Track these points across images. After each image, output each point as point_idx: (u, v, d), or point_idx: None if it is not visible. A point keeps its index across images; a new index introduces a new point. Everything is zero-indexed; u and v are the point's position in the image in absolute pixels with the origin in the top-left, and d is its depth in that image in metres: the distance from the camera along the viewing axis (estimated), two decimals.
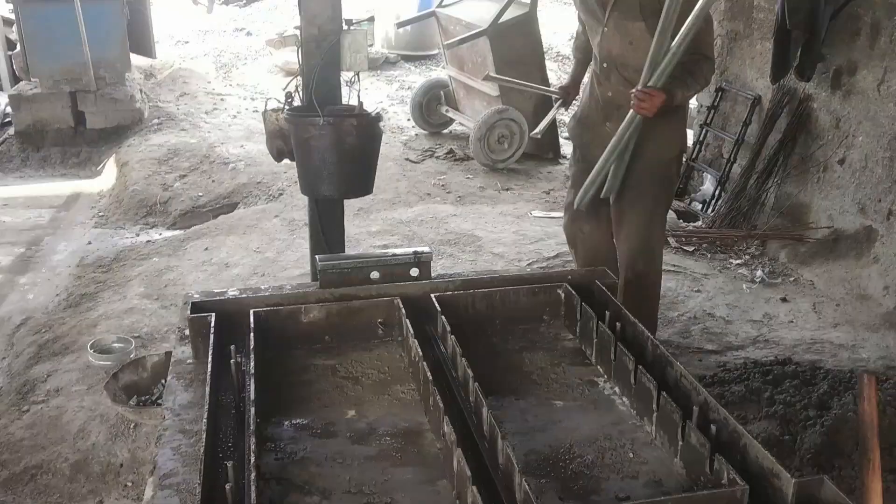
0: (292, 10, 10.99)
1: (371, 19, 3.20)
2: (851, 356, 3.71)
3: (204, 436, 1.61)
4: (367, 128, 2.75)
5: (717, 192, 5.42)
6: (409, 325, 2.08)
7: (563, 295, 2.28)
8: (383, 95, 8.93)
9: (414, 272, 2.58)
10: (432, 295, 2.25)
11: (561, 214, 5.52)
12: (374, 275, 2.56)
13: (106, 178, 7.11)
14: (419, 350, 1.94)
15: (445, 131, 7.63)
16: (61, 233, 5.96)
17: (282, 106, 2.84)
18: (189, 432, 1.77)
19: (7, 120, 8.18)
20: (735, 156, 5.42)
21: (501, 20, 6.26)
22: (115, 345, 3.79)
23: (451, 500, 1.58)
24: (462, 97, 7.24)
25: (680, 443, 1.70)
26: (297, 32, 2.87)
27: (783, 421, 2.91)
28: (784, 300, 4.36)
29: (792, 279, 4.62)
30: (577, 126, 3.59)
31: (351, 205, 5.80)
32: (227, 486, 1.48)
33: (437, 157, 6.90)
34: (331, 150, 2.69)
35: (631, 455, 1.75)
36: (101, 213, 6.34)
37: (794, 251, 4.77)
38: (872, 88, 4.38)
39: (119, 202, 6.48)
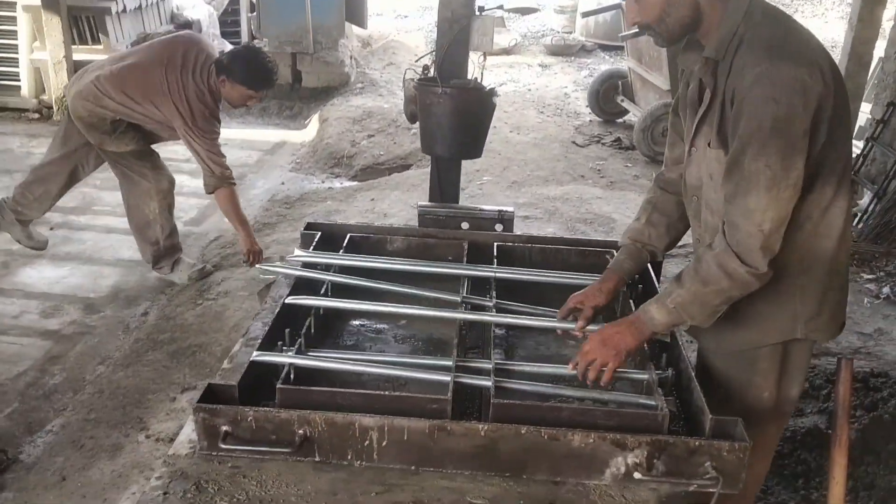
0: None
1: (500, 7, 3.50)
2: None
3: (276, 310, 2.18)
4: (479, 100, 3.19)
5: (870, 207, 5.31)
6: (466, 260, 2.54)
7: (609, 259, 2.61)
8: (569, 80, 9.25)
9: (498, 227, 3.03)
10: (495, 243, 2.68)
11: None
12: (465, 225, 3.03)
13: (309, 130, 8.06)
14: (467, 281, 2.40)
15: (619, 120, 7.85)
16: (263, 172, 6.92)
17: (417, 76, 3.35)
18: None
19: None
20: None
21: None
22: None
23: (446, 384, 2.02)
24: (638, 88, 7.43)
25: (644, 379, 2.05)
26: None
27: (832, 416, 3.03)
28: None
29: None
30: None
31: (507, 178, 6.29)
32: (280, 343, 2.04)
33: (602, 144, 7.17)
34: (446, 116, 3.16)
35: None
36: (297, 160, 7.26)
37: None
38: None
39: (314, 152, 7.37)
